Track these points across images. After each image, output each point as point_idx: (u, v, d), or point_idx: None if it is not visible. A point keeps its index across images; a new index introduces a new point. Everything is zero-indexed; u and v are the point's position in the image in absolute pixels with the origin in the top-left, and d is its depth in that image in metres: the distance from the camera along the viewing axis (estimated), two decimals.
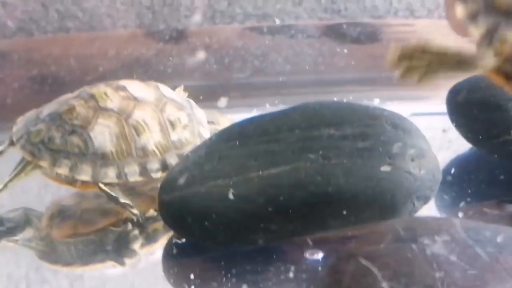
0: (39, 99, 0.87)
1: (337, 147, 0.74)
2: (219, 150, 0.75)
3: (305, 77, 0.95)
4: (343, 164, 0.73)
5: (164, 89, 0.85)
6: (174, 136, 0.82)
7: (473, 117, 0.85)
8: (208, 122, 0.87)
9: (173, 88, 0.86)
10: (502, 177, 0.80)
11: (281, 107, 0.91)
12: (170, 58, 0.94)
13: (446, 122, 0.87)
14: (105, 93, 0.81)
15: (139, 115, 0.80)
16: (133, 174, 0.80)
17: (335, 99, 0.90)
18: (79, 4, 1.16)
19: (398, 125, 0.76)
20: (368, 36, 1.05)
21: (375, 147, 0.74)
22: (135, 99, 0.81)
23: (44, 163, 0.78)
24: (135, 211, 0.79)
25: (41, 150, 0.78)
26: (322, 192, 0.72)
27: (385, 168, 0.72)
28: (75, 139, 0.79)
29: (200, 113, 0.87)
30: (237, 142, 0.76)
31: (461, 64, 0.49)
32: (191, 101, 0.87)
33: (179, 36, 1.06)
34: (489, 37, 0.47)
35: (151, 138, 0.81)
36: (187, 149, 0.83)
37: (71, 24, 1.16)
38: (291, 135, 0.75)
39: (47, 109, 0.82)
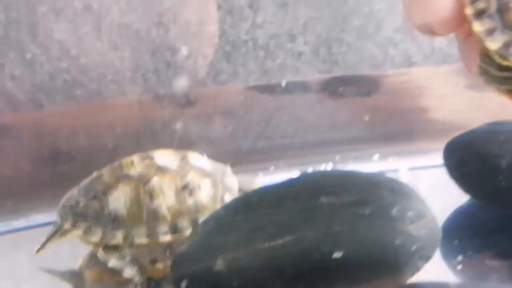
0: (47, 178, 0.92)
1: (339, 215, 0.77)
2: (227, 223, 0.79)
3: (307, 138, 0.99)
4: (346, 231, 0.76)
5: (193, 157, 0.89)
6: (190, 201, 0.86)
7: (470, 170, 0.88)
8: (242, 189, 0.91)
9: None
10: (501, 228, 0.82)
11: (286, 169, 0.95)
12: (176, 127, 0.98)
13: (444, 175, 0.90)
14: (132, 162, 0.86)
15: (157, 181, 0.85)
16: (140, 236, 0.84)
17: (338, 157, 0.94)
18: (86, 73, 1.20)
19: (396, 189, 0.79)
20: (366, 88, 1.08)
21: (375, 213, 0.76)
22: (158, 167, 0.86)
23: (66, 225, 0.84)
24: (137, 278, 0.83)
25: (67, 214, 0.85)
26: (327, 259, 0.75)
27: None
28: (94, 203, 0.84)
29: (232, 181, 0.91)
30: (243, 215, 0.79)
31: None
32: (228, 168, 0.91)
33: (185, 100, 1.10)
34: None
35: (164, 203, 0.85)
36: (206, 214, 0.86)
37: (79, 92, 1.20)
38: (294, 205, 0.78)
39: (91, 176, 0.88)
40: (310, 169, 0.93)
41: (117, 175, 0.85)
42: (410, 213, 0.77)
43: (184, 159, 0.88)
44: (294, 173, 0.90)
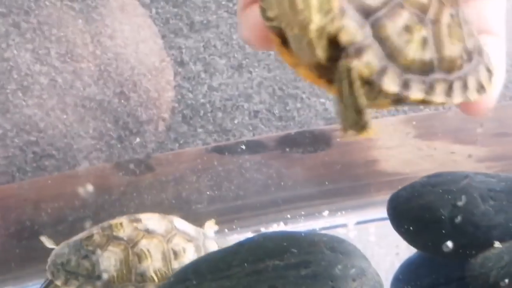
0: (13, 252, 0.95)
1: (282, 276, 0.79)
2: None
3: (259, 198, 1.02)
4: None
5: (179, 222, 0.93)
6: (175, 265, 0.89)
7: (413, 223, 0.90)
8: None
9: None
10: (446, 280, 0.84)
11: (239, 231, 0.98)
12: (134, 195, 1.01)
13: (390, 228, 0.92)
14: (121, 224, 0.89)
15: (145, 244, 0.88)
16: None
17: (288, 215, 0.97)
18: (53, 144, 1.25)
19: (336, 248, 0.81)
20: (318, 143, 1.11)
21: (318, 273, 0.79)
22: (146, 230, 0.89)
23: (58, 282, 0.87)
24: None
25: (59, 270, 0.88)
26: None
27: None
28: (86, 263, 0.87)
29: (212, 244, 0.95)
30: (193, 282, 0.82)
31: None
32: (208, 233, 0.96)
33: (145, 166, 1.14)
34: None
35: (151, 265, 0.88)
36: None
37: (48, 163, 1.24)
38: (240, 270, 0.81)
39: (81, 234, 0.91)
40: (262, 229, 0.96)
41: (107, 236, 0.88)
42: (352, 271, 0.80)
43: (170, 223, 0.92)
44: (247, 234, 0.93)
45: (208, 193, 1.00)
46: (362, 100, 0.46)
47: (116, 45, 1.21)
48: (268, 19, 0.47)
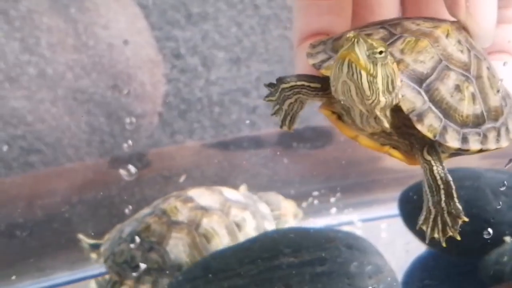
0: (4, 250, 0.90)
1: (297, 274, 0.77)
2: None
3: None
4: None
5: (228, 192, 0.92)
6: (241, 237, 0.88)
7: None
8: (272, 210, 0.92)
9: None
10: (458, 277, 0.83)
11: None
12: (135, 189, 0.98)
13: (401, 224, 0.91)
14: (175, 207, 0.87)
15: (207, 223, 0.87)
16: None
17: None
18: (42, 139, 1.20)
19: (352, 245, 0.80)
20: (320, 140, 1.09)
21: (333, 270, 0.77)
22: (202, 208, 0.88)
23: (129, 282, 0.84)
24: None
25: (125, 269, 0.84)
26: None
27: None
28: (154, 256, 0.84)
29: (264, 207, 0.93)
30: (202, 280, 0.79)
31: None
32: (255, 196, 0.93)
33: (141, 162, 1.10)
34: None
35: (220, 243, 0.87)
36: None
37: (35, 158, 1.19)
38: (253, 267, 0.78)
39: (127, 227, 0.88)
40: None
41: (166, 223, 0.86)
42: (368, 268, 0.78)
43: (221, 195, 0.90)
44: None
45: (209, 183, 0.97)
46: (459, 205, 0.52)
47: (110, 36, 1.17)
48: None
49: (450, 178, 0.51)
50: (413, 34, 0.50)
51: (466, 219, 0.53)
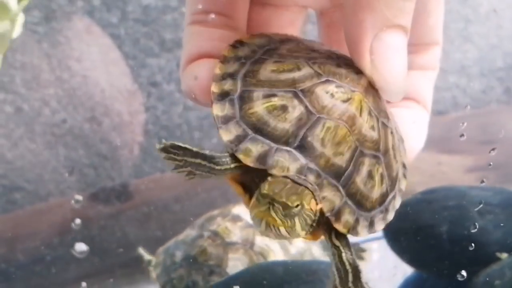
0: None
1: None
2: None
3: None
4: None
5: None
6: (292, 250, 0.89)
7: (409, 242, 0.87)
8: None
9: None
10: None
11: None
12: (115, 228, 0.96)
13: (384, 246, 0.89)
14: (227, 228, 0.87)
15: (260, 240, 0.87)
16: None
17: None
18: (23, 176, 1.18)
19: None
20: None
21: None
22: (252, 226, 0.87)
23: None
24: None
25: None
26: None
27: None
28: (215, 279, 0.84)
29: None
30: None
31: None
32: None
33: (123, 193, 1.09)
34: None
35: (275, 258, 0.86)
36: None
37: (18, 196, 1.18)
38: None
39: (177, 251, 0.87)
40: None
41: (222, 245, 0.85)
42: None
43: None
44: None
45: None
46: (366, 286, 0.50)
47: (85, 68, 1.16)
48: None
49: (357, 263, 0.50)
50: (331, 115, 0.48)
51: None
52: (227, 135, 0.49)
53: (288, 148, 0.47)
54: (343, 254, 0.50)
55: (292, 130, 0.48)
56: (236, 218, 0.89)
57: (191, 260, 0.85)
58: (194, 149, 0.51)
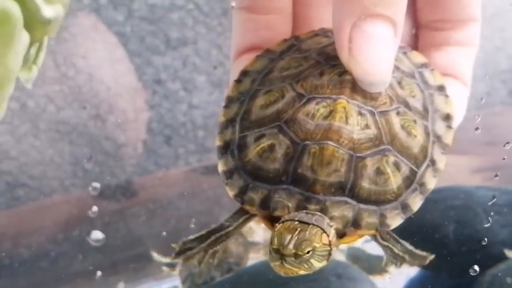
0: None
1: None
2: None
3: None
4: None
5: None
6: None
7: (415, 241, 0.87)
8: None
9: None
10: None
11: None
12: (120, 225, 0.96)
13: None
14: (251, 228, 0.88)
15: None
16: None
17: None
18: (27, 172, 1.18)
19: (342, 274, 0.78)
20: None
21: None
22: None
23: None
24: None
25: None
26: None
27: None
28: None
29: None
30: None
31: None
32: None
33: (128, 191, 1.09)
34: None
35: None
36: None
37: (22, 192, 1.18)
38: None
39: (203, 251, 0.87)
40: None
41: (243, 244, 0.86)
42: None
43: None
44: None
45: (200, 219, 0.96)
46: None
47: (90, 66, 1.16)
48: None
49: (409, 247, 0.52)
50: (314, 138, 0.47)
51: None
52: (232, 190, 0.50)
53: (284, 186, 0.48)
54: (395, 249, 0.52)
55: (283, 168, 0.48)
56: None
57: (212, 258, 0.85)
58: (203, 232, 0.52)
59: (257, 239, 0.85)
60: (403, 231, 0.89)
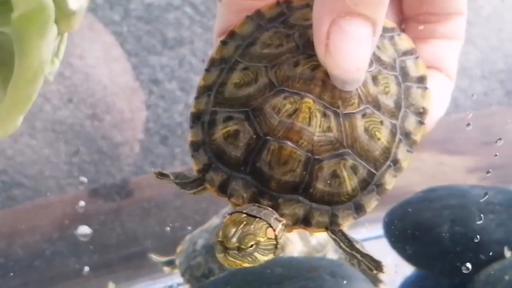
0: None
1: None
2: None
3: None
4: None
5: None
6: (313, 240, 0.88)
7: (410, 241, 0.87)
8: None
9: None
10: None
11: None
12: (115, 223, 0.96)
13: (384, 245, 0.89)
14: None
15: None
16: None
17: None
18: (23, 172, 1.18)
19: (337, 273, 0.78)
20: None
21: None
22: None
23: None
24: None
25: (202, 282, 0.83)
26: None
27: None
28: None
29: None
30: None
31: None
32: None
33: (123, 190, 1.09)
34: None
35: (295, 250, 0.87)
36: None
37: (17, 192, 1.18)
38: None
39: (200, 239, 0.87)
40: None
41: None
42: None
43: None
44: None
45: (195, 218, 0.95)
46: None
47: (87, 65, 1.16)
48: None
49: (355, 247, 0.50)
50: (276, 135, 0.48)
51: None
52: (197, 164, 0.51)
53: (242, 176, 0.49)
54: (341, 244, 0.51)
55: (243, 157, 0.49)
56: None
57: (210, 248, 0.85)
58: (174, 180, 0.53)
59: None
60: (398, 230, 0.89)
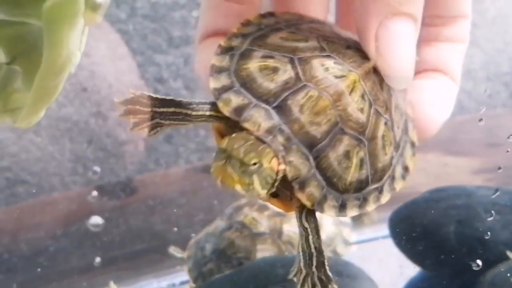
0: None
1: None
2: None
3: None
4: None
5: None
6: (323, 235, 0.87)
7: (416, 241, 0.87)
8: None
9: None
10: None
11: None
12: (120, 220, 0.96)
13: (393, 245, 0.89)
14: (254, 218, 0.86)
15: (288, 228, 0.86)
16: None
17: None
18: (27, 169, 1.18)
19: (342, 272, 0.78)
20: None
21: None
22: (279, 214, 0.87)
23: None
24: None
25: None
26: None
27: None
28: None
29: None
30: None
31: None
32: None
33: (128, 188, 1.08)
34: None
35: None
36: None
37: (21, 189, 1.18)
38: None
39: (207, 244, 0.87)
40: None
41: (249, 236, 0.85)
42: None
43: None
44: None
45: (199, 216, 0.95)
46: (329, 273, 0.50)
47: (92, 63, 1.16)
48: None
49: (323, 249, 0.49)
50: (318, 86, 0.47)
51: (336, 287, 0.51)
52: (215, 83, 0.49)
53: (266, 107, 0.47)
54: (310, 237, 0.49)
55: (276, 91, 0.47)
56: (263, 207, 0.89)
57: (220, 253, 0.85)
58: (168, 97, 0.50)
59: (262, 230, 0.85)
60: (404, 230, 0.89)
